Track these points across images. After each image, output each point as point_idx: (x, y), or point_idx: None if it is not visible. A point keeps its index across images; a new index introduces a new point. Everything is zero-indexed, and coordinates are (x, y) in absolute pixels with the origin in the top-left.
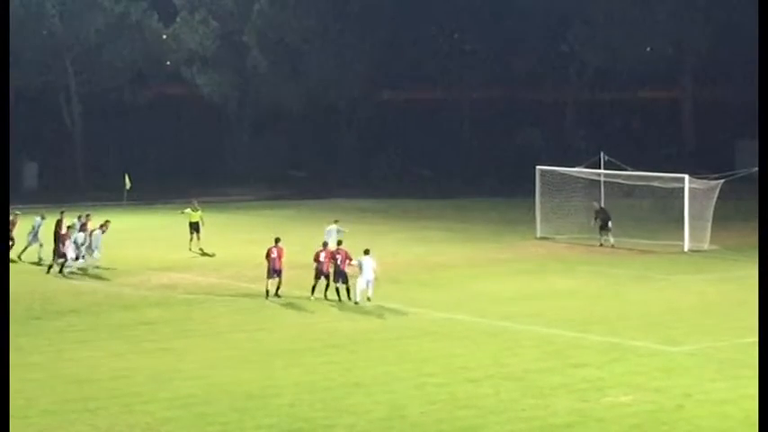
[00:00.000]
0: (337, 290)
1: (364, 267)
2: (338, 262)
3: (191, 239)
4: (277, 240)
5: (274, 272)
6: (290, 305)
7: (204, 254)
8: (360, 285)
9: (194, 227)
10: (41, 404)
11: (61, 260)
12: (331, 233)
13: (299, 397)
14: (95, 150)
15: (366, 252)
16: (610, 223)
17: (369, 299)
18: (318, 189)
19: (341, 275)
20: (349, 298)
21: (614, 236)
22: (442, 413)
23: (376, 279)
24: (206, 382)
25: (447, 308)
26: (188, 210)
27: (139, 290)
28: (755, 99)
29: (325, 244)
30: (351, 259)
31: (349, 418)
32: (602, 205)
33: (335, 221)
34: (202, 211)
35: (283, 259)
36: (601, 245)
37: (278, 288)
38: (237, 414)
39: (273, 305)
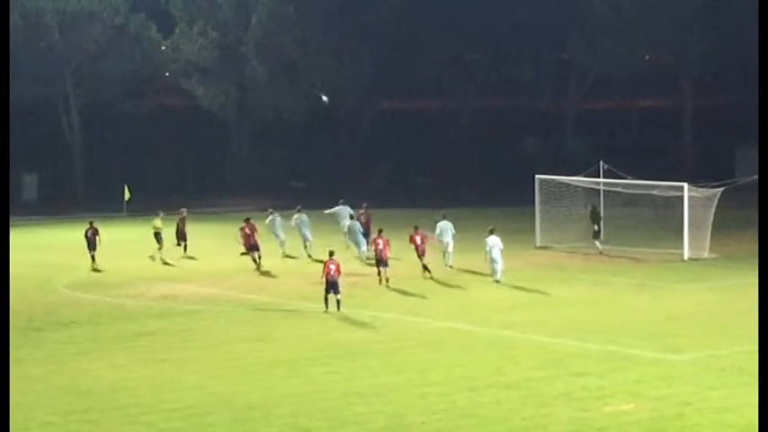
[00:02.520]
0: (326, 300)
1: (492, 248)
2: (331, 272)
3: (159, 249)
4: (380, 231)
5: (381, 262)
6: (289, 315)
7: (165, 263)
8: (498, 266)
9: (159, 237)
10: (42, 416)
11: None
12: (446, 230)
13: (299, 407)
14: (95, 161)
15: (491, 231)
16: (598, 226)
17: (497, 280)
18: (319, 199)
19: (333, 286)
20: (338, 309)
21: (613, 245)
22: (442, 422)
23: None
24: (207, 392)
25: (447, 317)
26: (156, 221)
27: (140, 301)
28: (755, 107)
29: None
30: (340, 272)
31: (350, 428)
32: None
33: (443, 216)
34: (163, 222)
35: (389, 249)
36: (601, 252)
37: (387, 278)
38: (238, 425)
39: (273, 316)
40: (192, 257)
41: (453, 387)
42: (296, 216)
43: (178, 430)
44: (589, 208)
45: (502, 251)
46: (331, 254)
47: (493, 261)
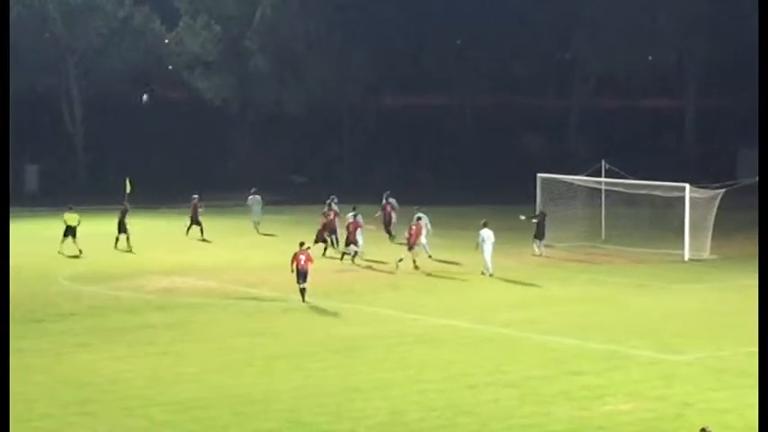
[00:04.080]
0: (302, 291)
1: (484, 241)
2: (302, 262)
3: (62, 242)
4: (302, 245)
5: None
6: (290, 310)
7: (75, 257)
8: (487, 258)
9: (71, 231)
10: (41, 407)
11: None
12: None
13: (298, 402)
14: (97, 154)
15: (484, 224)
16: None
17: (490, 274)
18: (320, 194)
19: (303, 275)
20: (303, 299)
21: (614, 244)
22: (441, 420)
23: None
24: (206, 385)
25: (446, 314)
26: (66, 214)
27: (140, 293)
28: (756, 107)
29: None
30: (312, 261)
31: (348, 423)
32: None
33: (417, 209)
34: (80, 215)
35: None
36: (540, 254)
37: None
38: (237, 418)
39: (273, 310)
40: (205, 240)
41: (452, 384)
42: (328, 202)
43: (177, 423)
44: (540, 209)
45: (494, 244)
46: (301, 244)
47: (483, 253)
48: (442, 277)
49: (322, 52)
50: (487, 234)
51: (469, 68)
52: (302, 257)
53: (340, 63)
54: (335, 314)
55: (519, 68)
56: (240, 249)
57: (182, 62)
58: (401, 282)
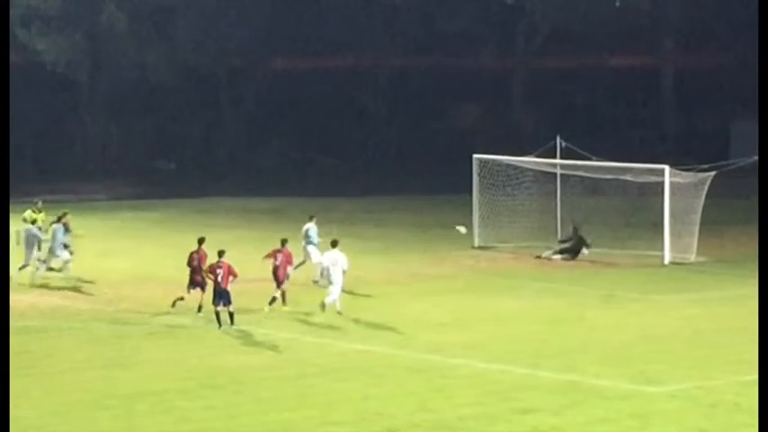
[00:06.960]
0: (217, 314)
1: (332, 267)
2: (218, 278)
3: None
4: (221, 254)
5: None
6: (157, 333)
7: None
8: (335, 292)
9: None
10: None
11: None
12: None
13: None
14: None
15: (334, 244)
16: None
17: (329, 308)
18: (193, 185)
19: (222, 296)
20: (232, 323)
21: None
22: None
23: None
24: None
25: (359, 337)
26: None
27: None
28: (754, 69)
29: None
30: (235, 275)
31: None
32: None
33: (311, 218)
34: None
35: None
36: (538, 257)
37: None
38: None
39: (136, 333)
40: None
41: (366, 427)
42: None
43: None
44: (574, 225)
45: (345, 272)
46: (220, 254)
47: (330, 283)
48: (352, 290)
49: (194, 3)
50: (335, 257)
51: (385, 20)
52: (219, 272)
53: (217, 16)
54: (216, 338)
55: (448, 20)
56: (92, 257)
57: (14, 16)
58: (300, 296)
